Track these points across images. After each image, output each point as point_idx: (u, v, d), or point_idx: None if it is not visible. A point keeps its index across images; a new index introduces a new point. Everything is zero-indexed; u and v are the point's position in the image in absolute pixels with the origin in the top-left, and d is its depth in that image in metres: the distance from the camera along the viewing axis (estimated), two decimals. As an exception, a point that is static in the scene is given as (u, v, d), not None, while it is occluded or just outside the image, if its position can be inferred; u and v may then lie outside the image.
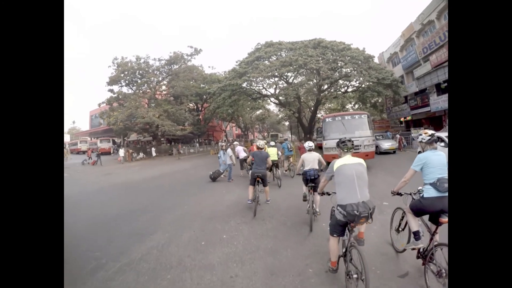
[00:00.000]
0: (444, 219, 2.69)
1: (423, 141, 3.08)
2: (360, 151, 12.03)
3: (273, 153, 9.63)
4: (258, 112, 38.16)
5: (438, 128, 20.01)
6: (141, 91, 30.65)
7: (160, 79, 32.30)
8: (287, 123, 53.68)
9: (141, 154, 29.48)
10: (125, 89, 30.84)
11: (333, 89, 22.57)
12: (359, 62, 19.03)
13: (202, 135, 39.85)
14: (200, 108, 37.62)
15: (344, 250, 3.00)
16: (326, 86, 22.86)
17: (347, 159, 3.01)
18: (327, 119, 12.70)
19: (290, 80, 24.72)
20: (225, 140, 44.63)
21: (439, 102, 20.93)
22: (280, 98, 25.03)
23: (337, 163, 3.03)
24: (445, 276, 2.46)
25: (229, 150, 11.09)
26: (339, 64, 18.58)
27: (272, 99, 27.19)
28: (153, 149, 29.78)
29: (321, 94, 23.37)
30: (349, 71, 18.62)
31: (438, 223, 2.82)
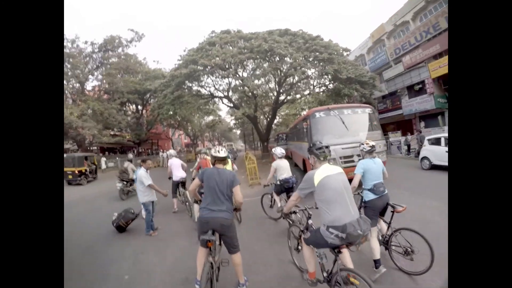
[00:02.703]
0: (399, 208, 3.02)
1: (364, 150, 3.30)
2: (368, 162, 7.43)
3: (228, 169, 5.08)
4: (208, 119, 32.24)
5: (407, 132, 17.29)
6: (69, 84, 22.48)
7: (92, 67, 24.34)
8: (238, 132, 48.47)
9: (60, 169, 21.05)
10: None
11: (294, 91, 18.11)
12: (335, 53, 15.02)
13: (143, 143, 32.17)
14: (141, 111, 30.25)
15: (326, 275, 2.41)
16: (286, 87, 18.43)
17: (328, 169, 2.33)
18: (317, 114, 7.81)
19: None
20: (170, 150, 37.36)
21: (413, 105, 18.60)
22: (235, 98, 19.85)
23: (317, 176, 2.27)
24: (411, 252, 2.89)
25: (141, 171, 4.97)
26: (312, 54, 14.18)
27: (225, 101, 21.70)
28: (103, 159, 21.24)
29: (280, 96, 18.86)
30: (325, 60, 14.25)
31: (391, 215, 3.18)
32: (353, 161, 7.28)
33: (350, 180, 2.59)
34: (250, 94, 17.06)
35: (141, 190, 4.88)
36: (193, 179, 5.52)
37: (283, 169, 4.70)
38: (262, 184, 5.32)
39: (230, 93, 20.10)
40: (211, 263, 2.57)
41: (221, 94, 20.71)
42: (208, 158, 5.11)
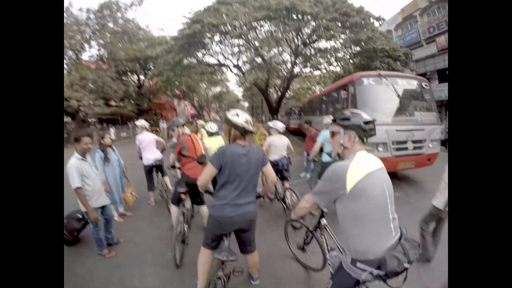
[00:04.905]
0: None
1: (328, 123, 4.10)
2: (423, 152, 5.44)
3: (218, 147, 2.68)
4: (215, 90, 29.83)
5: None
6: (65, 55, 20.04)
7: (89, 36, 21.67)
8: (246, 104, 45.71)
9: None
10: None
11: (312, 62, 15.28)
12: (368, 20, 12.29)
13: (145, 114, 29.87)
14: (142, 80, 27.84)
15: None
16: (305, 57, 15.62)
17: (368, 161, 1.36)
18: (365, 80, 5.52)
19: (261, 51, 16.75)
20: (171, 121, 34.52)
21: (443, 91, 16.14)
22: (245, 68, 17.39)
23: (353, 172, 1.27)
24: None
25: (72, 160, 2.62)
26: (343, 17, 11.40)
27: (235, 70, 19.12)
28: (111, 130, 17.55)
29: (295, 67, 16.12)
30: (358, 25, 11.51)
31: None
32: (406, 148, 5.17)
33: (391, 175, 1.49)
34: (262, 62, 14.59)
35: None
36: (172, 166, 3.52)
37: (277, 148, 4.06)
38: None
39: (240, 62, 17.61)
40: (222, 279, 1.85)
41: (230, 63, 18.18)
42: (203, 131, 4.15)
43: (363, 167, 1.30)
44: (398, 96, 5.33)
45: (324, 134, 4.01)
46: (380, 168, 1.37)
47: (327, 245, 2.09)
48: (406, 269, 1.24)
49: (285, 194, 3.89)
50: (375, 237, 1.29)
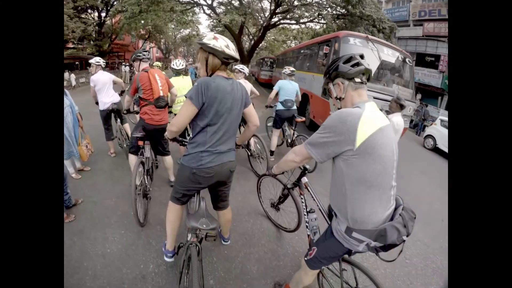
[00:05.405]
0: (298, 119, 4.13)
1: (286, 73, 4.13)
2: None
3: (185, 87, 3.55)
4: (185, 32, 27.37)
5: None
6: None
7: None
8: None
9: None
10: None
11: (293, 13, 14.17)
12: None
13: (104, 56, 26.65)
14: (103, 19, 24.34)
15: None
16: (285, 7, 14.51)
17: (378, 113, 1.16)
18: (351, 39, 5.34)
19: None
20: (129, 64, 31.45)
21: (418, 73, 17.08)
22: (220, 11, 15.87)
23: (365, 124, 1.05)
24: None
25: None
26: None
27: (208, 11, 17.24)
28: (72, 76, 14.34)
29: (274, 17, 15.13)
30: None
31: (294, 123, 4.20)
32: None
33: None
34: (239, 5, 13.95)
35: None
36: (127, 110, 3.11)
37: None
38: None
39: (215, 3, 16.20)
40: (196, 245, 1.49)
41: (204, 2, 16.26)
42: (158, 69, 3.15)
43: (374, 120, 1.09)
44: (381, 64, 5.26)
45: (282, 83, 4.06)
46: (389, 124, 1.18)
47: (306, 206, 1.92)
48: (403, 241, 1.11)
49: (249, 141, 3.94)
50: (376, 204, 1.12)
